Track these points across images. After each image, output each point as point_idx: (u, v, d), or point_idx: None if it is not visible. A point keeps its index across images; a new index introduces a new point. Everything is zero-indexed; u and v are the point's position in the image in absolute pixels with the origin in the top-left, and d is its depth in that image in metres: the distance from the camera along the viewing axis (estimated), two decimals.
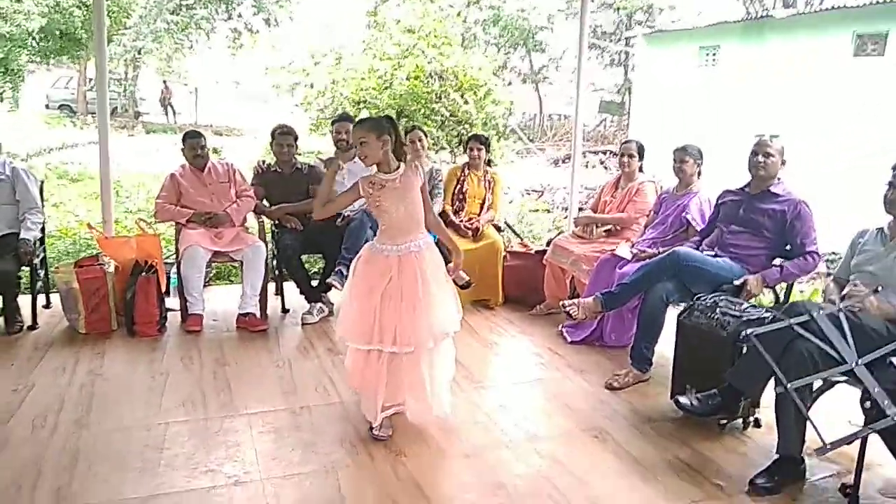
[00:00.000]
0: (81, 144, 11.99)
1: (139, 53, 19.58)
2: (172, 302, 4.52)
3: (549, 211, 7.95)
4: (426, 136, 5.15)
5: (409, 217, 2.92)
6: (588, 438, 3.14)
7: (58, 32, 8.37)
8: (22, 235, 4.07)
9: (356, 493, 2.61)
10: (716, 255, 3.70)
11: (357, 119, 3.52)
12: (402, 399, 3.00)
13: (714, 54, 16.29)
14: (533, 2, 21.48)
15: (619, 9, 21.29)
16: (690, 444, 3.10)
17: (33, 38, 7.95)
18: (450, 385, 3.21)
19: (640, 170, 4.83)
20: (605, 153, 19.13)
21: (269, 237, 4.76)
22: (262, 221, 4.73)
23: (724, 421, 3.20)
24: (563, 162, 17.09)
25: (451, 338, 3.11)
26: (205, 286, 4.53)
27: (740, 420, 3.22)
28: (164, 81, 23.48)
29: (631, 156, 4.73)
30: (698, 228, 4.09)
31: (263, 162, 4.91)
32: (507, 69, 23.85)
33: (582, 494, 2.65)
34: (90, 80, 23.63)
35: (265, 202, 4.76)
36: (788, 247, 3.61)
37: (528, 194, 11.46)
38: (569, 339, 4.36)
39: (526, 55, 25.05)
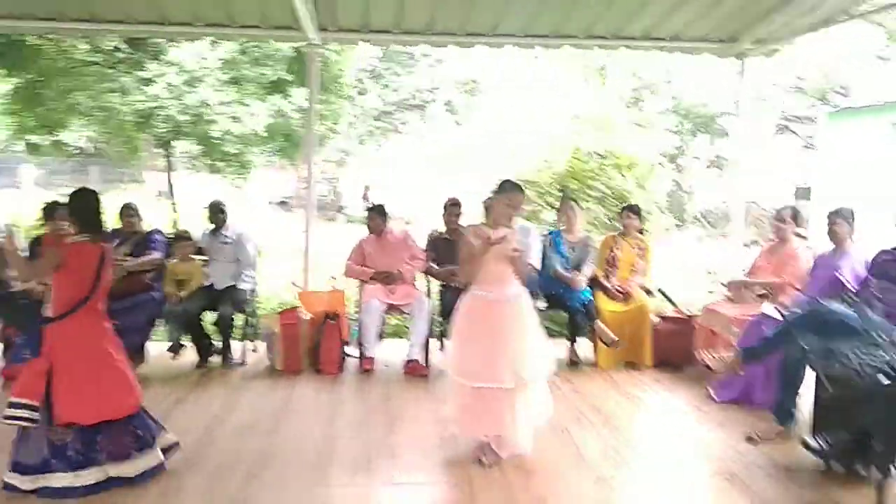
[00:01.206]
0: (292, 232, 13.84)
1: (346, 155, 22.12)
2: (351, 350, 5.22)
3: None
4: (578, 206, 5.57)
5: (504, 269, 3.33)
6: (718, 481, 3.23)
7: (279, 134, 10.09)
8: (239, 287, 5.04)
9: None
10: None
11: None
12: (495, 431, 3.30)
13: None
14: (713, 87, 21.33)
15: (807, 91, 20.44)
16: (824, 489, 3.09)
17: (259, 138, 9.68)
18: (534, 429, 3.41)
19: (798, 236, 4.84)
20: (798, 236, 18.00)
21: (435, 296, 5.36)
22: (429, 281, 5.36)
23: (863, 471, 3.13)
24: (746, 246, 16.38)
25: (545, 385, 3.42)
26: (380, 339, 5.19)
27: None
28: (366, 186, 26.11)
29: (784, 221, 4.78)
30: (851, 288, 4.04)
31: (436, 230, 5.59)
32: (687, 156, 23.54)
33: None
34: (304, 178, 27.05)
35: (434, 264, 5.39)
36: None
37: (709, 273, 11.19)
38: (717, 399, 4.40)
39: (711, 142, 24.63)
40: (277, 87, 9.76)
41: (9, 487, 2.87)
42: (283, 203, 26.45)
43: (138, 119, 9.73)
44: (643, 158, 7.86)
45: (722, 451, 3.59)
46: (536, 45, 6.09)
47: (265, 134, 9.96)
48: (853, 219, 4.29)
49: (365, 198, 26.60)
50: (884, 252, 3.85)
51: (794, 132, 25.07)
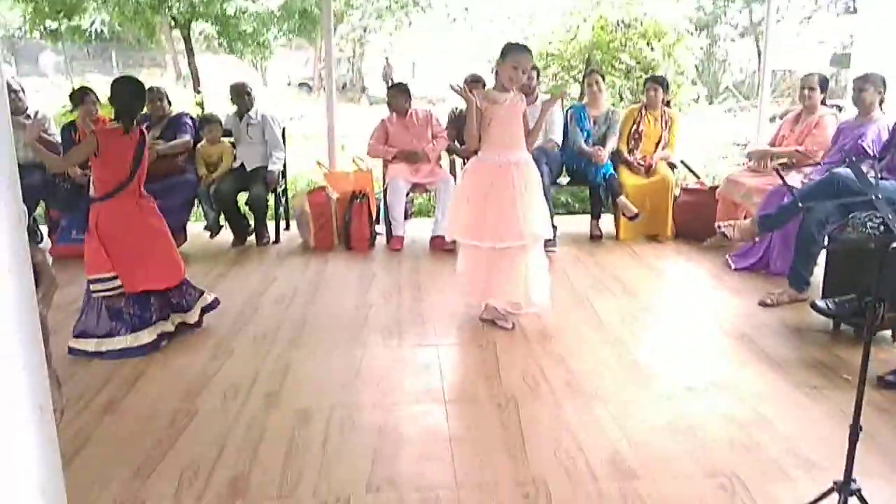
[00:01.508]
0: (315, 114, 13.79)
1: (364, 32, 21.49)
2: (380, 229, 5.41)
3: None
4: (602, 79, 5.51)
5: (511, 135, 3.39)
6: (729, 340, 3.42)
7: (295, 12, 9.85)
8: (269, 168, 5.18)
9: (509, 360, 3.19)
10: (882, 178, 3.69)
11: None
12: (511, 298, 3.47)
13: None
14: None
15: None
16: (830, 348, 3.27)
17: (274, 17, 9.49)
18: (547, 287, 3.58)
19: (823, 103, 4.78)
20: (833, 107, 17.45)
21: (458, 172, 5.45)
22: (454, 159, 5.44)
23: (872, 332, 3.28)
24: (781, 118, 15.95)
25: (543, 248, 3.56)
26: (406, 218, 5.35)
27: (889, 332, 3.29)
28: (386, 59, 25.48)
29: (812, 88, 4.70)
30: (872, 154, 4.04)
31: (456, 108, 5.59)
32: (723, 23, 22.47)
33: (709, 378, 2.98)
34: (324, 58, 26.47)
35: (457, 143, 5.45)
36: None
37: (737, 146, 11.05)
38: (733, 267, 4.53)
39: (745, 7, 23.36)
40: None
41: (74, 352, 3.17)
42: (303, 85, 26.10)
43: (153, 0, 9.59)
44: (671, 27, 7.58)
45: (735, 315, 3.77)
46: None
47: (279, 13, 9.76)
48: (884, 85, 4.22)
49: (385, 76, 26.11)
50: None
51: None
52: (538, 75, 5.34)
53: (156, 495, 2.17)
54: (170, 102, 5.16)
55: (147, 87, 5.17)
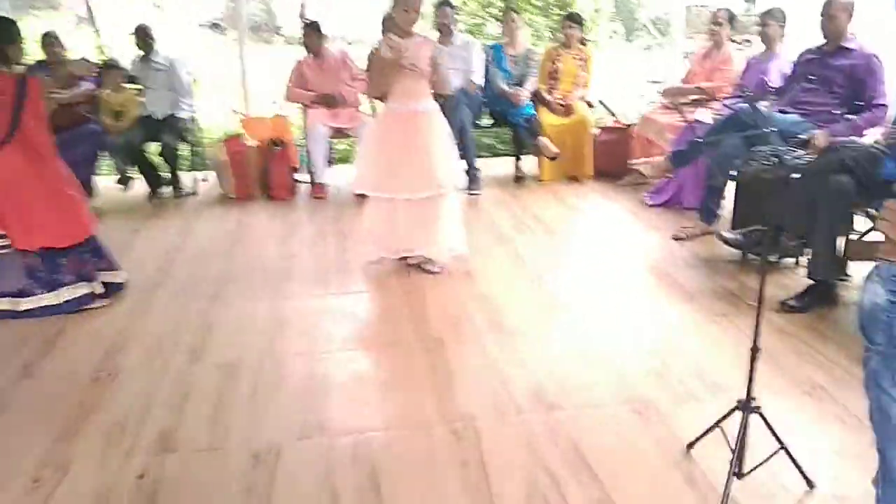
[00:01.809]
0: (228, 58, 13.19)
1: None
2: (301, 177, 5.29)
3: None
4: (519, 17, 5.48)
5: (416, 82, 3.35)
6: (644, 274, 3.58)
7: None
8: (178, 115, 4.96)
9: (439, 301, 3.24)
10: (783, 112, 3.86)
11: None
12: (418, 244, 3.49)
13: None
14: None
15: None
16: (738, 277, 3.46)
17: None
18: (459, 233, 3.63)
19: (731, 39, 4.91)
20: (742, 42, 17.97)
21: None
22: (373, 103, 5.34)
23: (775, 259, 3.50)
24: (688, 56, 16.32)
25: (454, 195, 3.57)
26: (329, 165, 5.25)
27: (793, 260, 3.51)
28: (302, 2, 24.49)
29: (719, 23, 4.82)
30: (773, 87, 4.20)
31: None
32: None
33: (625, 311, 3.12)
34: None
35: None
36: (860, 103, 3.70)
37: (653, 84, 11.26)
38: (649, 203, 4.69)
39: None
40: None
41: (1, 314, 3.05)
42: (214, 26, 24.88)
43: None
44: None
45: (650, 250, 3.92)
46: None
47: None
48: (784, 19, 4.37)
49: (302, 16, 25.16)
50: (808, 51, 3.97)
51: None
52: (453, 12, 5.24)
53: (82, 454, 2.14)
54: (64, 48, 4.81)
55: (43, 32, 4.86)
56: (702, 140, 3.92)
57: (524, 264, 3.70)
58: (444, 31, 5.12)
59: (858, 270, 3.28)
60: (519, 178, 5.44)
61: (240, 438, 2.21)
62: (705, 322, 3.01)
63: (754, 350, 1.89)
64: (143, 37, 4.96)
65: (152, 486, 2.00)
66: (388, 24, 4.81)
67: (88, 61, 4.02)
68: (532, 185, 5.34)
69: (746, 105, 3.80)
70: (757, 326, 1.90)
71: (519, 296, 3.30)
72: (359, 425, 2.28)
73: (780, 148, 3.52)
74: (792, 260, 3.52)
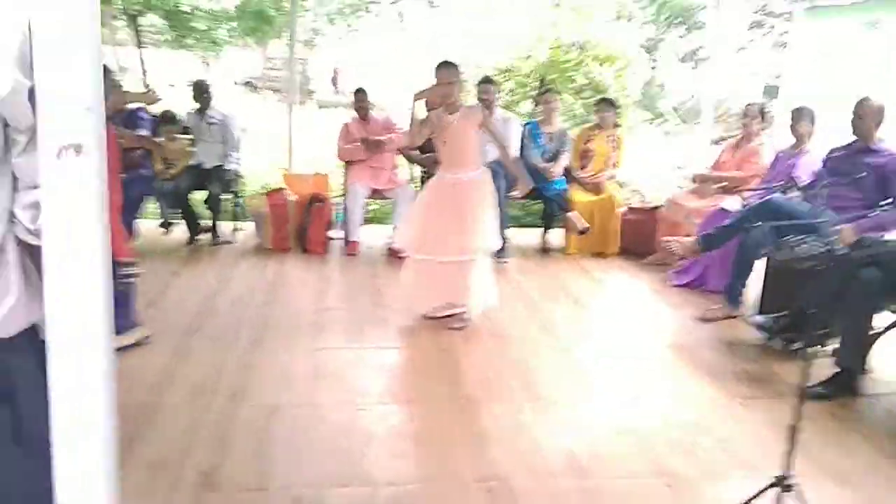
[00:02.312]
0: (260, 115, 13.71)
1: (314, 34, 21.42)
2: (334, 233, 5.46)
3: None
4: (558, 97, 5.74)
5: (462, 152, 3.57)
6: (669, 351, 3.65)
7: (251, 12, 9.83)
8: (227, 167, 5.19)
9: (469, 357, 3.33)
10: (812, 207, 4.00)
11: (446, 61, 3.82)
12: (458, 301, 3.66)
13: (874, 28, 15.18)
14: None
15: None
16: (763, 362, 3.53)
17: (229, 14, 9.45)
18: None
19: (762, 131, 5.11)
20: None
21: (418, 182, 5.58)
22: (412, 168, 5.56)
23: (799, 347, 3.57)
24: (715, 143, 16.73)
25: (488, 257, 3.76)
26: (363, 224, 5.43)
27: (817, 349, 3.57)
28: (336, 69, 25.44)
29: (751, 116, 5.03)
30: (801, 183, 4.35)
31: (426, 117, 5.70)
32: (662, 49, 23.33)
33: (652, 386, 3.19)
34: (271, 59, 26.23)
35: (417, 151, 5.55)
36: (888, 200, 3.84)
37: (677, 169, 11.55)
38: (673, 283, 4.80)
39: (686, 34, 24.41)
40: None
41: None
42: (248, 84, 25.77)
43: None
44: (621, 51, 7.94)
45: (674, 328, 4.01)
46: None
47: (234, 12, 9.72)
48: (814, 119, 4.56)
49: (334, 81, 26.03)
50: (835, 149, 4.14)
51: (769, 27, 24.96)
52: (496, 89, 5.51)
53: (125, 487, 2.20)
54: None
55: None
56: (732, 225, 4.06)
57: (554, 333, 3.79)
58: (486, 105, 5.35)
59: (882, 363, 3.35)
60: (545, 250, 5.58)
61: (282, 482, 2.28)
62: (730, 403, 3.07)
63: (794, 425, 1.96)
64: (201, 92, 5.24)
65: None
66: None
67: (149, 91, 4.22)
68: (558, 257, 5.47)
69: (779, 195, 3.96)
70: (799, 405, 1.97)
71: (549, 363, 3.38)
72: (397, 477, 2.34)
73: (809, 239, 3.67)
74: (816, 348, 3.59)
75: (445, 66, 3.55)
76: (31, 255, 1.01)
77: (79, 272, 0.92)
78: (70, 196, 0.90)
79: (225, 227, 5.40)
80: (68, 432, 0.96)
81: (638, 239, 5.48)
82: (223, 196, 5.21)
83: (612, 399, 3.04)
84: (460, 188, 3.58)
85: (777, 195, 4.05)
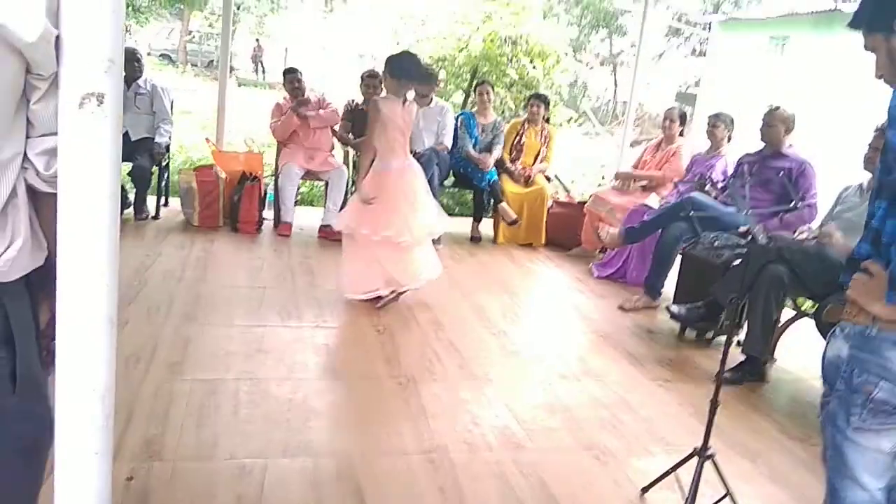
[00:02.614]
0: (184, 89, 13.25)
1: (238, 10, 20.81)
2: (267, 214, 5.40)
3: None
4: (493, 90, 5.88)
5: (405, 141, 3.74)
6: (594, 337, 3.85)
7: None
8: (156, 140, 5.03)
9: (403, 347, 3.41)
10: (727, 206, 4.30)
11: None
12: (399, 281, 3.78)
13: (783, 44, 16.31)
14: None
15: None
16: (679, 349, 3.80)
17: None
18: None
19: (681, 135, 5.42)
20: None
21: (351, 164, 5.59)
22: (347, 150, 5.56)
23: (711, 336, 3.86)
24: (630, 146, 17.46)
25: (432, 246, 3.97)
26: (295, 205, 5.39)
27: (725, 337, 3.86)
28: (257, 40, 24.81)
29: (672, 120, 5.32)
30: (719, 185, 4.67)
31: (353, 101, 5.72)
32: (586, 51, 24.08)
33: (579, 368, 3.38)
34: (190, 32, 25.29)
35: (351, 135, 5.57)
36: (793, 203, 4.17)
37: (601, 167, 12.03)
38: (595, 274, 5.04)
39: (606, 38, 25.25)
40: None
41: None
42: (164, 56, 24.77)
43: None
44: (551, 48, 8.17)
45: (599, 316, 4.23)
46: None
47: None
48: (732, 124, 4.89)
49: (255, 59, 25.38)
50: (747, 154, 4.47)
51: (686, 37, 26.14)
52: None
53: None
54: None
55: None
56: (654, 221, 4.31)
57: (486, 317, 3.92)
58: (424, 95, 5.43)
59: (785, 352, 3.66)
60: (475, 239, 5.72)
61: (226, 452, 2.29)
62: (651, 385, 3.29)
63: (714, 403, 2.15)
64: (131, 60, 5.05)
65: (143, 489, 2.06)
66: (375, 77, 5.13)
67: None
68: (488, 246, 5.63)
69: (695, 193, 4.23)
70: (717, 386, 2.16)
71: (484, 346, 3.51)
72: (341, 448, 2.40)
73: (723, 235, 3.95)
74: (724, 337, 3.87)
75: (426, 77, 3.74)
76: (35, 202, 1.02)
77: (93, 219, 0.94)
78: (89, 144, 0.92)
79: (150, 202, 5.23)
80: (72, 373, 0.98)
81: (564, 232, 5.70)
82: (151, 170, 5.05)
83: (541, 379, 3.20)
84: (405, 176, 3.69)
85: (696, 193, 4.33)
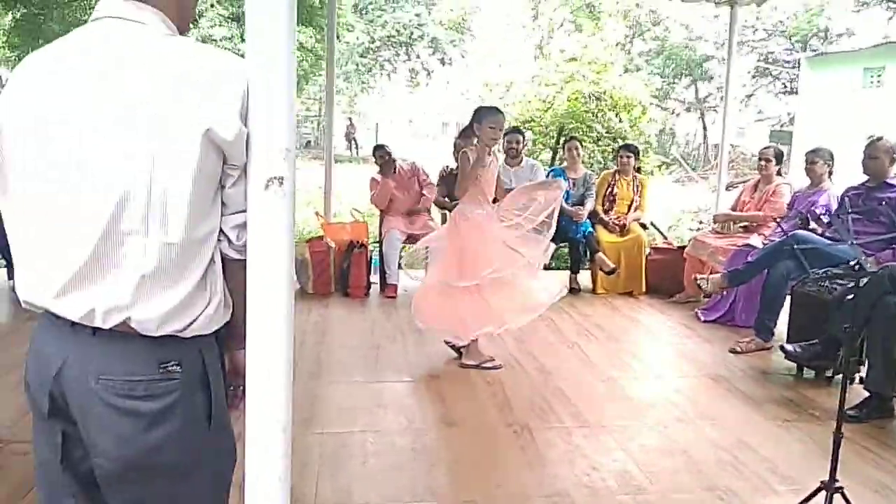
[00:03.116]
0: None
1: (337, 92, 22.17)
2: (374, 278, 5.70)
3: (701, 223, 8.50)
4: (581, 145, 6.04)
5: (490, 192, 3.84)
6: (707, 380, 3.82)
7: None
8: None
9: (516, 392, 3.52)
10: (834, 241, 4.21)
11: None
12: (496, 327, 3.76)
13: (879, 75, 15.67)
14: (699, 31, 21.64)
15: (790, 36, 20.84)
16: (797, 388, 3.70)
17: None
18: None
19: (779, 174, 5.36)
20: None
21: None
22: (445, 214, 5.83)
23: (831, 374, 3.74)
24: (727, 189, 17.07)
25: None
26: (399, 269, 5.68)
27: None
28: (350, 118, 26.21)
29: (768, 160, 5.29)
30: (825, 220, 4.58)
31: (446, 167, 6.01)
32: (671, 98, 23.96)
33: (694, 411, 3.36)
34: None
35: (447, 199, 5.83)
36: None
37: (696, 212, 11.86)
38: (703, 319, 4.98)
39: (691, 84, 25.07)
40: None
41: None
42: None
43: None
44: (636, 100, 8.29)
45: (709, 359, 4.18)
46: None
47: None
48: (832, 159, 4.81)
49: (348, 136, 26.80)
50: (851, 188, 4.38)
51: (774, 76, 25.58)
52: (524, 140, 5.82)
53: None
54: None
55: None
56: (758, 261, 4.27)
57: (593, 364, 3.97)
58: (513, 154, 5.66)
59: None
60: (574, 290, 5.78)
61: (361, 498, 2.46)
62: (770, 425, 3.23)
63: (837, 435, 2.14)
64: None
65: None
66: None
67: None
68: (587, 296, 5.68)
69: (800, 231, 4.18)
70: (839, 420, 2.16)
71: (594, 393, 3.56)
72: (465, 494, 2.51)
73: (833, 271, 3.87)
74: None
75: (495, 112, 3.84)
76: (223, 268, 1.24)
77: (276, 276, 1.15)
78: (272, 219, 1.14)
79: None
80: (261, 409, 1.17)
81: (664, 278, 5.68)
82: None
83: (656, 423, 3.21)
84: (488, 218, 3.80)
85: (800, 231, 4.27)
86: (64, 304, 1.13)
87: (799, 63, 20.53)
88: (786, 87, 25.42)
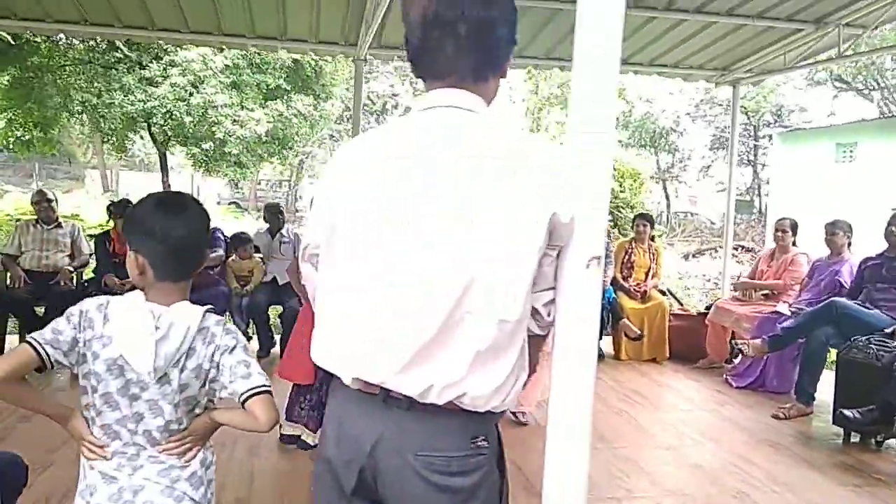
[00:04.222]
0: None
1: (307, 157, 22.32)
2: None
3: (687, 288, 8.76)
4: None
5: None
6: (762, 446, 3.88)
7: (276, 138, 10.43)
8: None
9: None
10: (867, 308, 4.40)
11: None
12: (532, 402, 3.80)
13: (851, 151, 16.62)
14: (661, 105, 22.71)
15: (748, 112, 22.01)
16: (849, 453, 3.79)
17: (260, 141, 10.03)
18: None
19: (794, 244, 5.60)
20: (736, 249, 19.36)
21: None
22: None
23: (882, 439, 3.85)
24: (693, 256, 17.61)
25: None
26: None
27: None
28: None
29: (784, 231, 5.52)
30: (846, 287, 4.78)
31: None
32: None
33: (765, 476, 3.41)
34: (259, 182, 27.06)
35: None
36: None
37: (707, 280, 12.20)
38: (734, 385, 5.08)
39: (653, 154, 26.07)
40: (275, 93, 10.12)
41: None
42: (233, 203, 26.47)
43: (132, 118, 9.86)
44: (639, 171, 8.62)
45: (754, 425, 4.25)
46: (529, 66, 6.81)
47: (266, 138, 10.31)
48: (850, 230, 5.06)
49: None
50: (869, 258, 4.62)
51: (726, 149, 26.76)
52: None
53: None
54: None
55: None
56: (799, 326, 4.42)
57: (649, 435, 3.99)
58: None
59: None
60: (599, 357, 5.82)
61: None
62: (842, 490, 3.29)
63: None
64: (275, 213, 5.56)
65: None
66: None
67: None
68: (612, 363, 5.74)
69: (842, 299, 4.36)
70: None
71: (662, 461, 3.58)
72: None
73: (875, 338, 4.03)
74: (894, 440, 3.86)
75: None
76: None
77: (587, 342, 1.19)
78: (588, 295, 1.18)
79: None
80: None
81: (686, 344, 5.79)
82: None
83: (733, 490, 3.23)
84: None
85: (838, 298, 4.44)
86: (404, 380, 1.14)
87: (771, 137, 21.63)
88: (741, 158, 26.63)
